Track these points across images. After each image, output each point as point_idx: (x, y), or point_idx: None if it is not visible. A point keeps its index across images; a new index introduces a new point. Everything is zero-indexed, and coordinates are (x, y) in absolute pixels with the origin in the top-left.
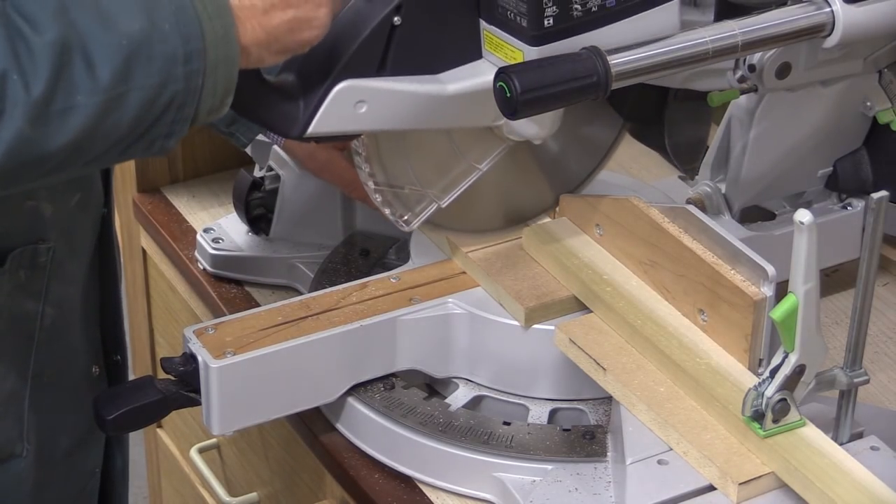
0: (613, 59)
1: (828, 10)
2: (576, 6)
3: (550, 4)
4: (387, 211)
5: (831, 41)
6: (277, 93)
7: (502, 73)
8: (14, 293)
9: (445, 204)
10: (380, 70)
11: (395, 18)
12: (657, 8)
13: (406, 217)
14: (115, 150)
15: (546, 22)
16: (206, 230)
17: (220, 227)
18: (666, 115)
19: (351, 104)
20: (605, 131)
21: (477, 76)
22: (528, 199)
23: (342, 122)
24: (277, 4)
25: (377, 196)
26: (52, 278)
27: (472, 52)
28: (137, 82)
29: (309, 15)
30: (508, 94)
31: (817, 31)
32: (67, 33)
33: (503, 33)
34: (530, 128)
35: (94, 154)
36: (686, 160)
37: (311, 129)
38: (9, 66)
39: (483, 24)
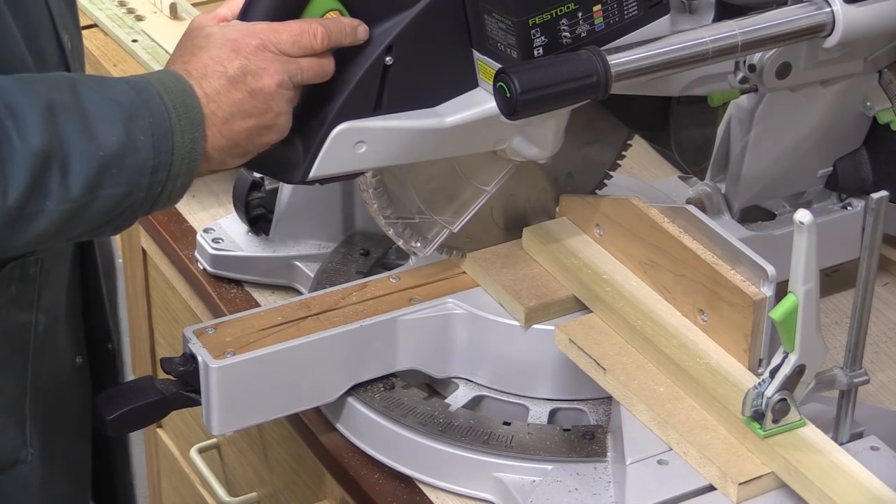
0: (613, 59)
1: (828, 10)
2: (564, 34)
3: (539, 35)
4: (400, 242)
5: (831, 41)
6: None
7: (502, 73)
8: (7, 307)
9: (458, 228)
10: (376, 109)
11: (387, 59)
12: (647, 26)
13: (419, 244)
14: (65, 240)
15: (536, 52)
16: (206, 230)
17: (220, 227)
18: (671, 120)
19: (350, 145)
20: (609, 147)
21: (474, 106)
22: (531, 213)
23: (343, 164)
24: (238, 113)
25: (389, 229)
26: (42, 287)
27: (467, 82)
28: (104, 191)
29: (269, 122)
30: (508, 94)
31: (817, 31)
32: (51, 141)
33: (496, 63)
34: (532, 148)
35: (44, 245)
36: (694, 162)
37: (312, 174)
38: None
39: (476, 53)
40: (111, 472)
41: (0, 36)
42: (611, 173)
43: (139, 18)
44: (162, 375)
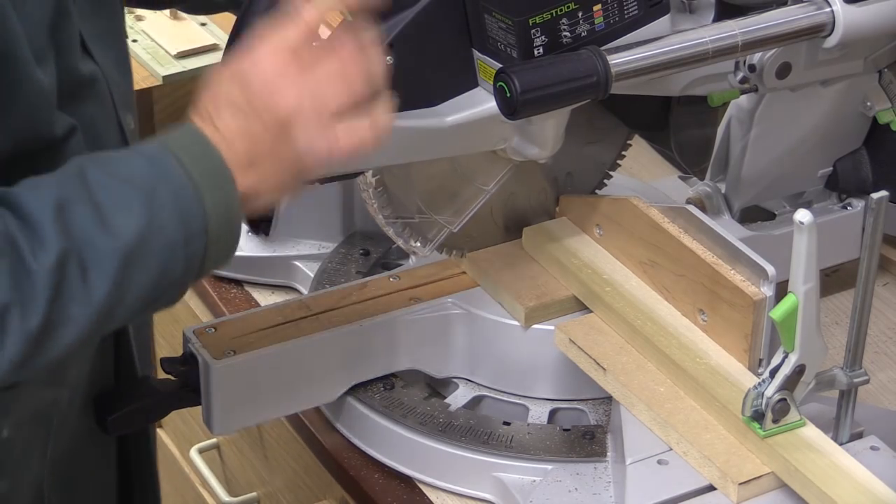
0: (613, 59)
1: (828, 10)
2: (564, 33)
3: (539, 34)
4: (400, 241)
5: (831, 41)
6: None
7: (502, 73)
8: (34, 387)
9: (458, 228)
10: None
11: (388, 58)
12: (647, 26)
13: (419, 244)
14: (102, 332)
15: (536, 52)
16: None
17: None
18: (671, 120)
19: None
20: (609, 147)
21: (474, 105)
22: (531, 213)
23: (342, 164)
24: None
25: (388, 228)
26: (71, 364)
27: (467, 81)
28: (134, 281)
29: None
30: (508, 94)
31: (817, 31)
32: (66, 248)
33: (496, 63)
34: (532, 148)
35: (83, 343)
36: (694, 162)
37: None
38: (10, 300)
39: (476, 53)
40: None
41: (55, 127)
42: (611, 173)
43: (139, 18)
44: (162, 375)
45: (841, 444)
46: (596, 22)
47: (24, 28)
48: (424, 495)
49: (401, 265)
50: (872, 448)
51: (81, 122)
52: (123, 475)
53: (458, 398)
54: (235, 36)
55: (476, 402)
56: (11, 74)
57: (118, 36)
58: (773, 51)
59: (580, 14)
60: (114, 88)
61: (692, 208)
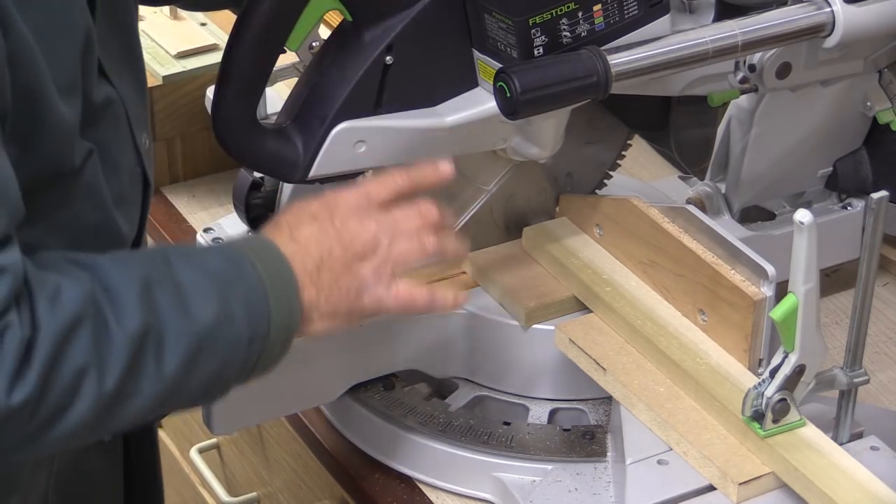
0: (613, 59)
1: (828, 10)
2: (564, 33)
3: (539, 34)
4: None
5: (831, 41)
6: (276, 138)
7: (502, 73)
8: None
9: (457, 228)
10: (376, 109)
11: (388, 58)
12: (647, 26)
13: None
14: (155, 415)
15: (536, 52)
16: (206, 230)
17: (220, 227)
18: (671, 120)
19: (350, 145)
20: (609, 147)
21: (474, 105)
22: (531, 213)
23: (343, 163)
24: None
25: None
26: None
27: (467, 81)
28: (200, 367)
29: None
30: (508, 94)
31: (817, 31)
32: (148, 322)
33: (496, 63)
34: (532, 148)
35: (136, 424)
36: (694, 162)
37: (312, 173)
38: (90, 362)
39: (476, 53)
40: None
41: (74, 151)
42: (611, 173)
43: (139, 18)
44: None
45: (841, 444)
46: (596, 22)
47: (53, 64)
48: (424, 495)
49: None
50: (872, 448)
51: (98, 146)
52: (127, 478)
53: (458, 398)
54: (236, 35)
55: (476, 402)
56: (37, 111)
57: (135, 54)
58: (773, 51)
59: (580, 14)
60: (130, 109)
61: (692, 208)
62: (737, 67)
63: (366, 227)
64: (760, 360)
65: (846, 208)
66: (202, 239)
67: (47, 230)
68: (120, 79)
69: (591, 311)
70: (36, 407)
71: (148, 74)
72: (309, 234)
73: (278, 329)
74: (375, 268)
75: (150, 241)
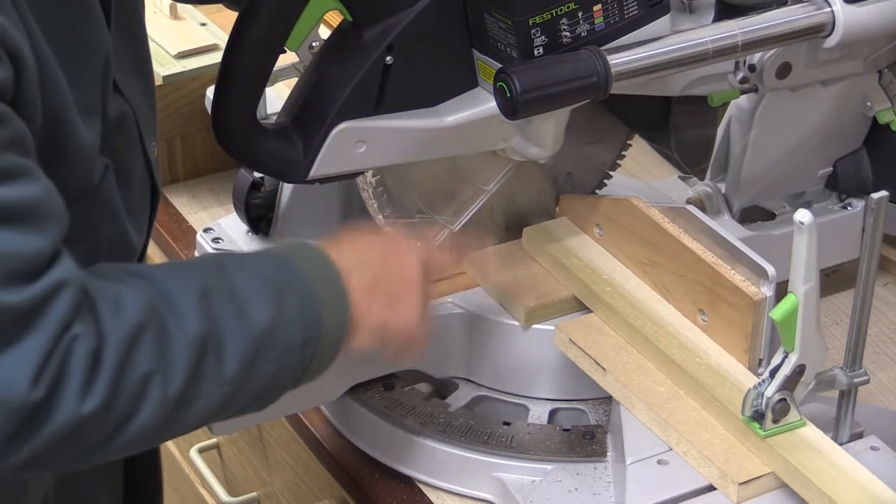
0: (613, 59)
1: (828, 10)
2: (564, 33)
3: (539, 34)
4: None
5: (831, 41)
6: (276, 138)
7: (502, 73)
8: None
9: (458, 228)
10: (376, 109)
11: (388, 58)
12: (647, 26)
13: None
14: (214, 420)
15: (536, 52)
16: (206, 230)
17: (220, 227)
18: (671, 120)
19: (350, 145)
20: (609, 147)
21: (474, 105)
22: (531, 213)
23: (342, 164)
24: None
25: (389, 228)
26: None
27: (467, 81)
28: (258, 371)
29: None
30: (508, 94)
31: (817, 31)
32: (207, 327)
33: (496, 63)
34: (532, 148)
35: (198, 428)
36: (694, 162)
37: (312, 173)
38: (155, 368)
39: (476, 53)
40: None
41: (90, 167)
42: (611, 173)
43: None
44: None
45: (841, 444)
46: (596, 22)
47: (75, 88)
48: (424, 495)
49: None
50: (872, 448)
51: (112, 160)
52: (127, 478)
53: (458, 398)
54: (236, 35)
55: (476, 402)
56: (60, 136)
57: (145, 62)
58: (773, 51)
59: (580, 14)
60: (140, 119)
61: (692, 208)
62: (737, 67)
63: (420, 260)
64: (760, 360)
65: (846, 208)
66: (202, 239)
67: (65, 245)
68: (131, 90)
69: (591, 311)
70: (105, 415)
71: None
72: (371, 248)
73: (329, 334)
74: (423, 300)
75: None
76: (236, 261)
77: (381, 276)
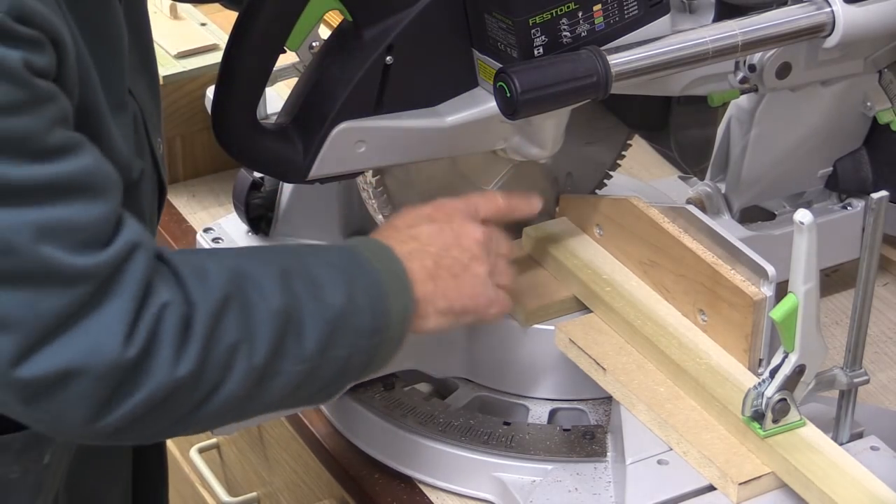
0: (613, 59)
1: (828, 10)
2: (564, 33)
3: (539, 34)
4: None
5: (831, 41)
6: (276, 138)
7: (502, 73)
8: None
9: None
10: (376, 109)
11: (388, 58)
12: (647, 26)
13: None
14: (285, 405)
15: (536, 52)
16: (206, 230)
17: (220, 227)
18: (671, 120)
19: (350, 145)
20: (609, 147)
21: (474, 105)
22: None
23: (343, 164)
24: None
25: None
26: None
27: (467, 81)
28: (332, 353)
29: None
30: (508, 94)
31: (817, 31)
32: (288, 303)
33: (496, 63)
34: (532, 147)
35: (272, 410)
36: (694, 162)
37: (312, 173)
38: (241, 338)
39: (476, 53)
40: None
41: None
42: (611, 173)
43: None
44: None
45: (841, 444)
46: (596, 22)
47: (105, 84)
48: (424, 495)
49: None
50: (872, 448)
51: None
52: (136, 476)
53: (458, 398)
54: (236, 35)
55: (476, 402)
56: (94, 131)
57: (150, 60)
58: (773, 51)
59: (580, 14)
60: (147, 117)
61: (692, 208)
62: (737, 67)
63: (479, 231)
64: (760, 360)
65: (846, 208)
66: (202, 239)
67: None
68: (139, 87)
69: (591, 311)
70: (196, 382)
71: None
72: (428, 232)
73: (395, 322)
74: (489, 270)
75: None
76: (310, 248)
77: (442, 258)
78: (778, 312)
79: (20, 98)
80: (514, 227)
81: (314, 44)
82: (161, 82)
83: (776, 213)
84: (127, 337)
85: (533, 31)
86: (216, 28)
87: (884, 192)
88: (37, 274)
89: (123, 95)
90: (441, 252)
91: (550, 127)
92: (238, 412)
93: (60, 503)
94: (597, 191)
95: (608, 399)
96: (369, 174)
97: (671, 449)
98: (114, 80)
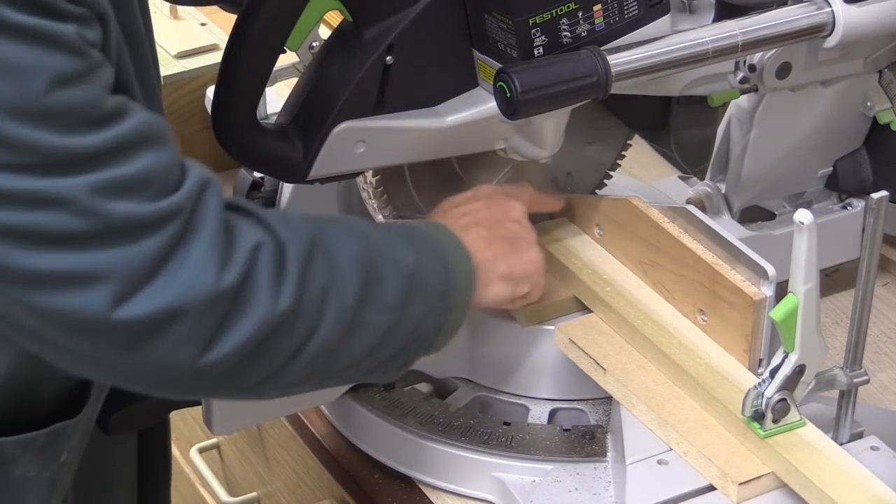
0: (613, 59)
1: (828, 10)
2: (565, 33)
3: (539, 34)
4: None
5: (831, 41)
6: (276, 138)
7: (502, 73)
8: (95, 405)
9: None
10: (376, 109)
11: (388, 58)
12: (647, 26)
13: None
14: (361, 369)
15: (536, 52)
16: None
17: None
18: (671, 120)
19: (350, 145)
20: (609, 147)
21: (474, 105)
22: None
23: (342, 164)
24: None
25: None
26: None
27: (467, 81)
28: (409, 311)
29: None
30: (508, 94)
31: (817, 31)
32: (367, 254)
33: (496, 63)
34: (532, 147)
35: (349, 373)
36: (694, 162)
37: (312, 173)
38: (330, 282)
39: (476, 53)
40: None
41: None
42: (611, 173)
43: None
44: None
45: (841, 444)
46: (596, 22)
47: (138, 75)
48: (424, 495)
49: None
50: (872, 448)
51: None
52: (140, 470)
53: (458, 398)
54: (236, 35)
55: (476, 402)
56: None
57: (154, 61)
58: (773, 51)
59: (580, 14)
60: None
61: (692, 208)
62: (737, 67)
63: (521, 206)
64: (760, 360)
65: (846, 208)
66: None
67: None
68: (141, 93)
69: (591, 311)
70: (295, 320)
71: None
72: (476, 207)
73: (462, 287)
74: (531, 245)
75: None
76: (371, 222)
77: (495, 228)
78: (778, 312)
79: (79, 68)
80: None
81: (314, 44)
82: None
83: (776, 213)
84: (220, 269)
85: (533, 31)
86: (216, 28)
87: (884, 192)
88: (122, 229)
89: (155, 92)
90: (493, 223)
91: (550, 127)
92: (324, 368)
93: (69, 503)
94: (597, 191)
95: (608, 399)
96: (369, 174)
97: (671, 449)
98: (144, 74)
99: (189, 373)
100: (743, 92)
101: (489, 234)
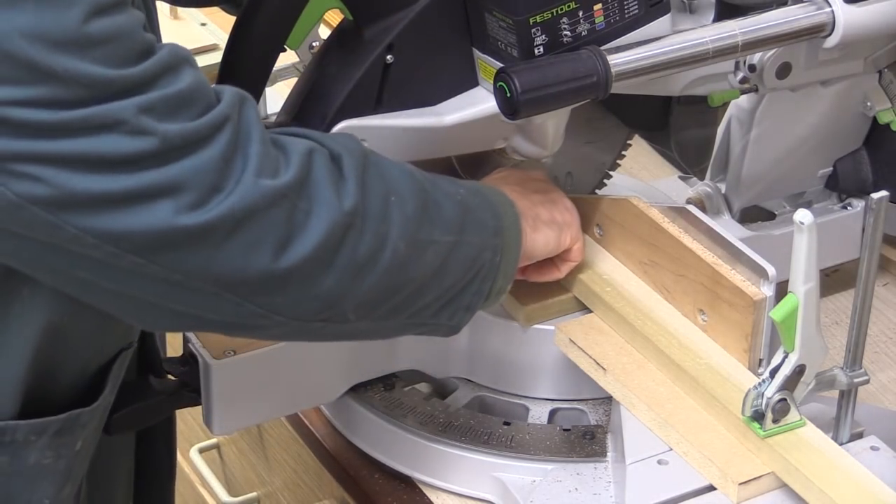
0: (613, 59)
1: (828, 10)
2: (565, 32)
3: (539, 34)
4: None
5: (831, 41)
6: None
7: (502, 73)
8: (110, 395)
9: None
10: (376, 108)
11: (388, 57)
12: (648, 26)
13: None
14: (434, 306)
15: (536, 51)
16: None
17: None
18: (671, 120)
19: None
20: (609, 147)
21: (474, 105)
22: None
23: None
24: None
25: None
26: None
27: (468, 80)
28: (467, 237)
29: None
30: (508, 94)
31: (817, 31)
32: (419, 177)
33: (497, 62)
34: (532, 147)
35: (427, 299)
36: (694, 162)
37: None
38: (390, 189)
39: (477, 52)
40: None
41: None
42: (611, 173)
43: None
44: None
45: (841, 444)
46: (596, 21)
47: None
48: (424, 495)
49: None
50: (872, 448)
51: None
52: (139, 468)
53: (458, 398)
54: (236, 35)
55: (476, 402)
56: None
57: None
58: (773, 51)
59: (581, 13)
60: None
61: (692, 208)
62: (737, 67)
63: (541, 174)
64: (760, 360)
65: (846, 208)
66: None
67: None
68: None
69: (591, 311)
70: (363, 223)
71: None
72: (504, 174)
73: (510, 226)
74: (566, 210)
75: None
76: None
77: (525, 184)
78: (778, 312)
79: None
80: None
81: (314, 43)
82: None
83: (776, 213)
84: (278, 169)
85: (533, 30)
86: (216, 28)
87: (884, 192)
88: (180, 145)
89: None
90: (521, 181)
91: (550, 126)
92: (397, 286)
93: (83, 493)
94: (597, 191)
95: (608, 399)
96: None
97: (671, 449)
98: None
99: (268, 277)
100: (743, 92)
101: (521, 188)
